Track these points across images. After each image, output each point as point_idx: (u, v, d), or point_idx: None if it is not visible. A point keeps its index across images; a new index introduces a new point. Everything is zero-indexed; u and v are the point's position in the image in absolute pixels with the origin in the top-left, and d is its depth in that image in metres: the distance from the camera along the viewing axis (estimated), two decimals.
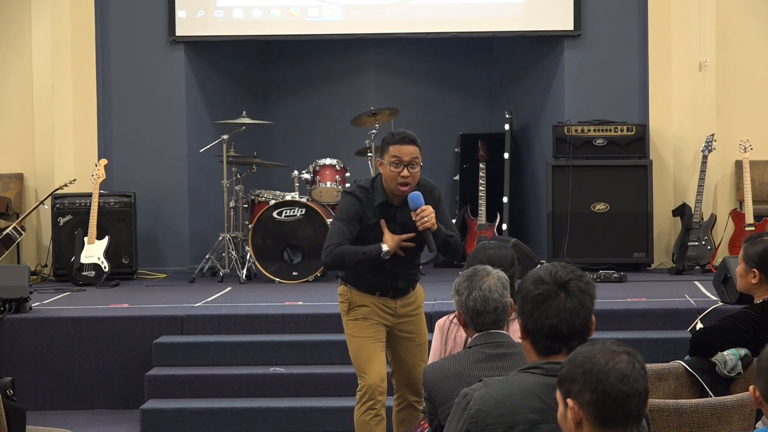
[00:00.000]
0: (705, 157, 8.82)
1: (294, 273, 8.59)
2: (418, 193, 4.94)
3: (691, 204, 8.91)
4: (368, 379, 5.06)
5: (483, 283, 3.72)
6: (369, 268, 5.05)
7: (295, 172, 8.83)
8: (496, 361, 3.59)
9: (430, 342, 4.70)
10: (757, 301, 4.62)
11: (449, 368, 3.63)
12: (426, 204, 4.95)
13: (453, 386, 3.50)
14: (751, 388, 2.89)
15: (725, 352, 4.52)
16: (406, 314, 5.20)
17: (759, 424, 3.29)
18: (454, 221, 5.95)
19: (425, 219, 4.88)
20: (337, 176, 8.88)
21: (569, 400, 2.46)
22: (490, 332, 3.68)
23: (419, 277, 5.32)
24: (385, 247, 4.94)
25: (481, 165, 9.46)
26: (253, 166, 9.13)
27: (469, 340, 3.79)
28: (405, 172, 4.93)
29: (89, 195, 8.93)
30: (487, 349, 3.63)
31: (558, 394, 2.51)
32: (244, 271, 8.71)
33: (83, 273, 8.71)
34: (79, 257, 8.76)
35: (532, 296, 2.85)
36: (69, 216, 9.11)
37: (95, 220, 8.80)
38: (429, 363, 4.02)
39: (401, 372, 5.24)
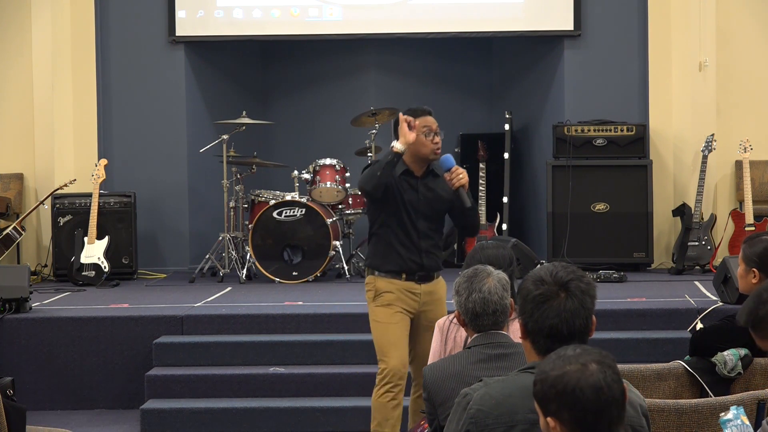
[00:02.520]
0: (705, 157, 8.82)
1: (294, 273, 8.59)
2: (449, 155, 5.16)
3: (691, 204, 8.91)
4: (390, 363, 5.20)
5: (483, 285, 3.71)
6: (396, 241, 5.19)
7: (295, 172, 8.83)
8: (496, 362, 3.59)
9: None
10: None
11: (449, 369, 3.63)
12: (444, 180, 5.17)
13: (453, 387, 3.49)
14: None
15: (725, 352, 4.52)
16: (429, 302, 5.31)
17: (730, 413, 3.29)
18: None
19: (461, 176, 5.08)
20: (337, 176, 8.88)
21: (549, 419, 2.46)
22: (490, 333, 3.68)
23: (441, 265, 5.40)
24: (396, 144, 5.09)
25: (481, 165, 9.46)
26: (253, 166, 9.13)
27: (469, 339, 3.79)
28: (437, 139, 5.20)
29: (89, 195, 8.93)
30: (487, 349, 3.63)
31: (536, 405, 2.51)
32: (244, 271, 8.71)
33: (83, 273, 8.71)
34: (79, 257, 8.76)
35: (533, 296, 2.84)
36: (69, 216, 9.12)
37: (95, 220, 8.81)
38: (429, 363, 4.02)
39: (419, 361, 5.30)
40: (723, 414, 3.35)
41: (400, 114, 5.20)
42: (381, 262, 5.31)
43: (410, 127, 5.13)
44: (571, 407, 2.41)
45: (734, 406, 3.31)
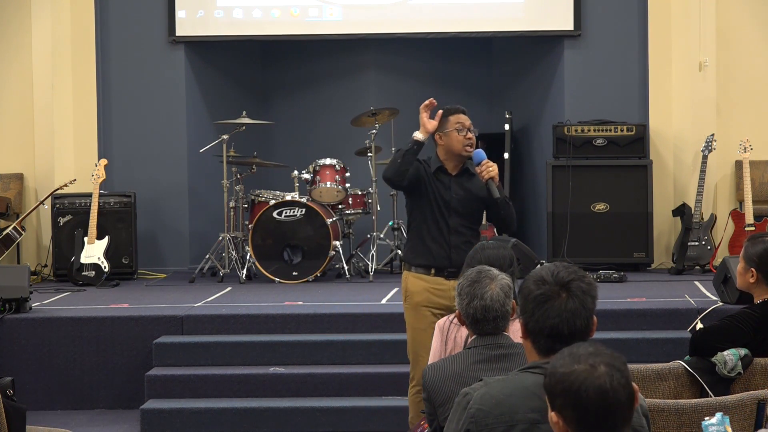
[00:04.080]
0: (705, 157, 8.82)
1: (294, 273, 8.58)
2: (481, 150, 5.32)
3: (691, 204, 8.91)
4: (418, 368, 5.29)
5: (485, 292, 3.69)
6: (428, 236, 5.31)
7: (295, 172, 8.83)
8: (496, 362, 3.58)
9: None
10: (757, 301, 4.62)
11: (448, 369, 3.62)
12: (480, 180, 5.31)
13: (452, 387, 3.49)
14: None
15: (725, 352, 4.52)
16: None
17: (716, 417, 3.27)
18: None
19: (490, 169, 5.23)
20: (337, 176, 8.88)
21: (553, 414, 2.46)
22: (490, 336, 3.67)
23: None
24: (416, 133, 5.27)
25: None
26: (253, 166, 9.13)
27: (470, 340, 3.78)
28: (469, 135, 5.36)
29: (89, 195, 8.93)
30: (487, 350, 3.62)
31: (546, 398, 2.52)
32: (244, 271, 8.71)
33: (83, 273, 8.71)
34: (79, 257, 8.76)
35: (534, 296, 2.84)
36: (69, 216, 9.11)
37: (95, 220, 8.80)
38: (428, 364, 4.01)
39: None
40: (707, 418, 3.34)
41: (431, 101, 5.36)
42: (413, 256, 5.42)
43: (431, 115, 5.30)
44: (575, 406, 2.42)
45: (720, 414, 3.31)
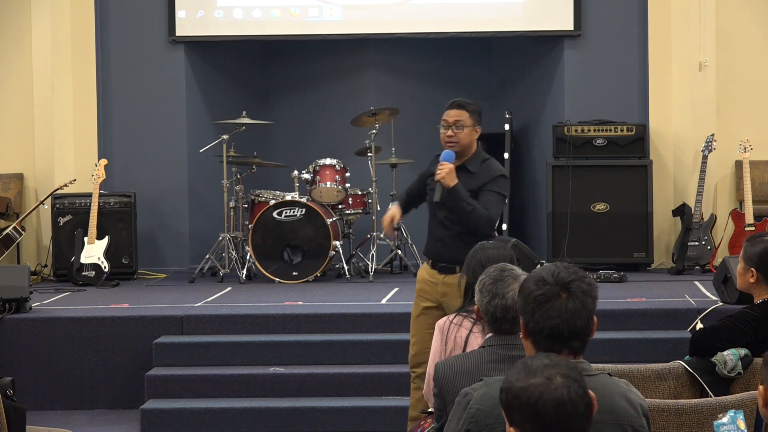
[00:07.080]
0: (705, 157, 8.82)
1: (294, 273, 8.59)
2: (450, 152, 5.33)
3: (691, 204, 8.91)
4: (410, 353, 5.45)
5: (507, 292, 3.65)
6: (429, 227, 5.50)
7: (295, 172, 8.83)
8: (511, 363, 3.54)
9: None
10: (757, 301, 4.62)
11: (462, 366, 3.58)
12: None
13: (465, 385, 3.47)
14: (760, 388, 2.86)
15: (725, 352, 4.52)
16: (448, 293, 5.33)
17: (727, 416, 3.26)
18: None
19: (439, 171, 5.25)
20: (337, 176, 8.88)
21: (511, 429, 2.46)
22: (508, 336, 3.63)
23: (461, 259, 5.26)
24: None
25: None
26: (253, 166, 9.13)
27: (486, 337, 3.74)
28: (449, 132, 5.37)
29: (89, 195, 8.93)
30: (502, 350, 3.57)
31: (503, 413, 2.51)
32: (244, 271, 8.71)
33: (83, 273, 8.71)
34: (79, 257, 8.76)
35: (534, 297, 2.84)
36: (69, 216, 9.12)
37: (95, 220, 8.81)
38: (441, 360, 3.98)
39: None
40: (720, 416, 3.33)
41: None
42: (425, 245, 5.58)
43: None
44: (534, 420, 2.42)
45: (732, 410, 3.28)
